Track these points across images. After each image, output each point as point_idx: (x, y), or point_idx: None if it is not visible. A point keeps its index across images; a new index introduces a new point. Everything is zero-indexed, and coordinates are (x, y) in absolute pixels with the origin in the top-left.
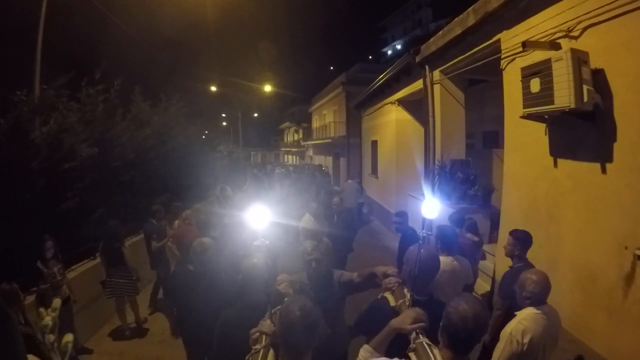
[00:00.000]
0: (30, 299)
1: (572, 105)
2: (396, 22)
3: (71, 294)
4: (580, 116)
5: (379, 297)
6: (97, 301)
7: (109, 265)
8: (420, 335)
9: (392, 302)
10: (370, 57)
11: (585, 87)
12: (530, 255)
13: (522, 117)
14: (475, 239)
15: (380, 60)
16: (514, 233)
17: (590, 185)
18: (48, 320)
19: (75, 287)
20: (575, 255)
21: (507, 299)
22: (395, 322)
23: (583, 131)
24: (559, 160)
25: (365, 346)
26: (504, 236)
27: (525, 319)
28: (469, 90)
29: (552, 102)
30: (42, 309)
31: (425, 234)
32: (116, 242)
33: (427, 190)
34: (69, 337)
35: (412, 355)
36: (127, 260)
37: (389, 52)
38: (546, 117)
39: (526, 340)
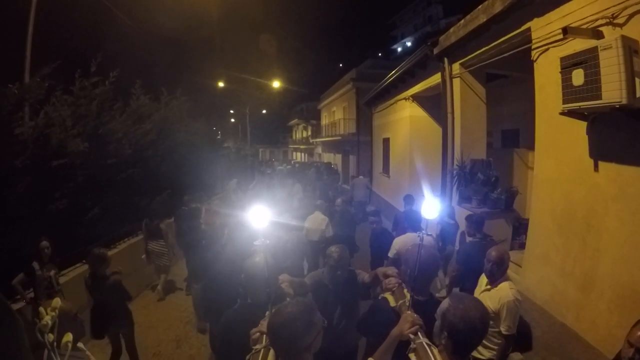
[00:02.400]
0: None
1: (624, 101)
2: (406, 19)
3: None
4: (629, 114)
5: (379, 297)
6: (88, 308)
7: (149, 238)
8: (420, 336)
9: (393, 303)
10: (379, 54)
11: (638, 81)
12: (563, 267)
13: (562, 113)
14: (452, 221)
15: (390, 58)
16: (469, 218)
17: (638, 192)
18: (47, 319)
19: (66, 293)
20: (617, 271)
21: (462, 265)
22: (394, 332)
23: (631, 131)
24: (601, 164)
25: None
26: (532, 245)
27: (513, 287)
28: (486, 86)
29: (599, 97)
30: (41, 308)
31: (424, 235)
32: (156, 220)
33: (427, 190)
34: (68, 337)
35: (412, 355)
36: (164, 235)
37: (399, 49)
38: (586, 113)
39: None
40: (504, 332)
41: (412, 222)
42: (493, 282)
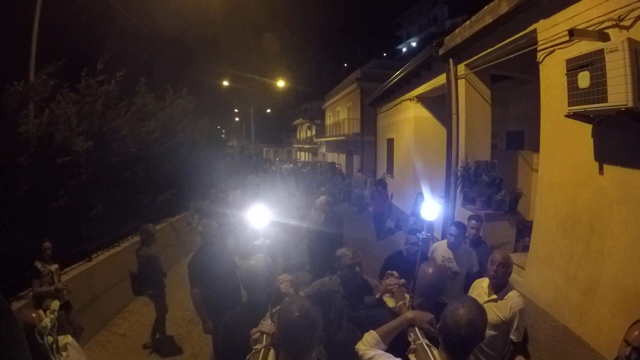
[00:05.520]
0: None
1: (630, 104)
2: (411, 19)
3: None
4: (635, 117)
5: (378, 297)
6: (91, 306)
7: (194, 213)
8: (421, 337)
9: (391, 304)
10: (384, 54)
11: None
12: (567, 270)
13: (567, 115)
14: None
15: (395, 58)
16: (475, 217)
17: None
18: (47, 321)
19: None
20: (621, 275)
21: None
22: (412, 314)
23: (636, 134)
24: (606, 167)
25: (373, 332)
26: (536, 248)
27: (520, 296)
28: (491, 87)
29: (605, 100)
30: (40, 310)
31: (425, 236)
32: (204, 200)
33: (426, 191)
34: (67, 339)
35: (412, 356)
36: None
37: (404, 50)
38: (591, 116)
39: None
40: (514, 340)
41: (382, 196)
42: (497, 288)
